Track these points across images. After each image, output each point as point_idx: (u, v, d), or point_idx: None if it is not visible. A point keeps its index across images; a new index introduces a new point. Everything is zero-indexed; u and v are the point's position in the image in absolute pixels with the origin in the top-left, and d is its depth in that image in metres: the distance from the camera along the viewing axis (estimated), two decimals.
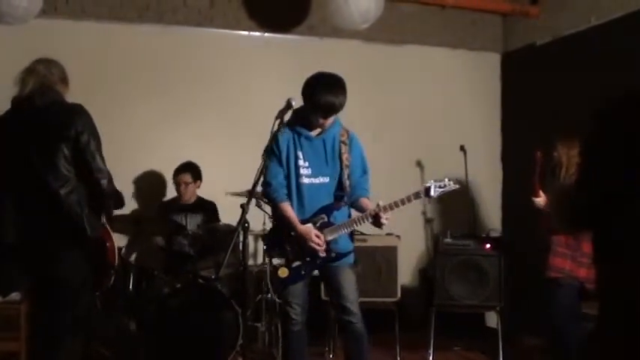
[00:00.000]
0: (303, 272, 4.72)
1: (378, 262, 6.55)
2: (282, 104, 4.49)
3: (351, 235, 4.85)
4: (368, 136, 7.37)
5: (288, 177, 4.72)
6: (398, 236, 6.74)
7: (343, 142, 4.72)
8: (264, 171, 4.60)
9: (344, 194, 4.71)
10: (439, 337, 6.61)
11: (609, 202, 2.49)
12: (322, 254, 4.65)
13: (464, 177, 7.39)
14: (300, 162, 4.70)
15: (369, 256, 6.53)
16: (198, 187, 6.74)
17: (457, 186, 4.80)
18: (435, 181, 4.71)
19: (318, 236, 4.62)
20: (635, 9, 6.42)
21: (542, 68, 7.60)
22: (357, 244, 6.54)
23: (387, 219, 4.55)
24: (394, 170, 7.36)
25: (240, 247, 4.61)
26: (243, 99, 7.24)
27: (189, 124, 7.13)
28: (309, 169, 4.71)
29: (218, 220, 6.62)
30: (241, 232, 4.41)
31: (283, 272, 4.70)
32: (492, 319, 7.07)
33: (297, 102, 4.54)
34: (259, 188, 4.66)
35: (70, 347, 4.29)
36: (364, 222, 4.67)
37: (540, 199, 5.41)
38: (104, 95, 6.56)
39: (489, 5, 8.04)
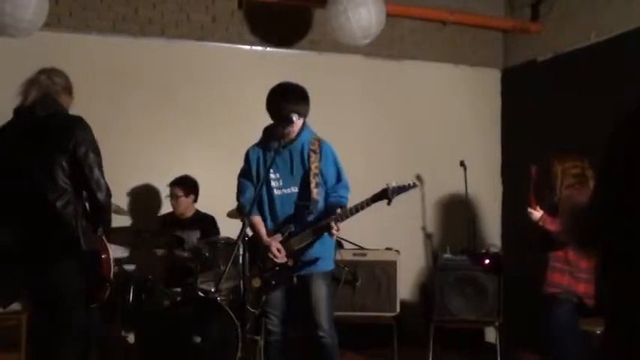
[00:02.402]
0: (273, 282, 4.75)
1: (377, 277, 6.57)
2: None
3: (322, 243, 4.76)
4: (367, 150, 7.47)
5: (260, 190, 4.70)
6: (397, 251, 6.75)
7: (313, 151, 4.73)
8: (237, 190, 4.89)
9: (308, 203, 4.68)
10: (438, 352, 6.62)
11: (621, 218, 2.51)
12: (290, 264, 4.68)
13: (464, 192, 7.41)
14: (271, 175, 4.76)
15: (368, 271, 6.55)
16: (194, 201, 6.75)
17: (417, 185, 4.70)
18: (396, 182, 4.60)
19: (278, 249, 4.66)
20: (636, 26, 6.46)
21: (542, 84, 7.62)
22: (357, 258, 6.60)
23: (337, 229, 4.53)
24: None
25: (240, 261, 4.63)
26: (244, 113, 7.23)
27: (190, 137, 7.15)
28: (280, 181, 4.77)
29: (218, 233, 6.62)
30: (241, 246, 4.42)
31: (256, 282, 4.76)
32: (491, 335, 7.09)
33: (297, 117, 4.58)
34: None
35: (69, 358, 4.30)
36: (324, 231, 4.62)
37: (537, 213, 5.42)
38: (106, 108, 6.59)
39: (490, 21, 8.09)
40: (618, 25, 6.65)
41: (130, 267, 6.71)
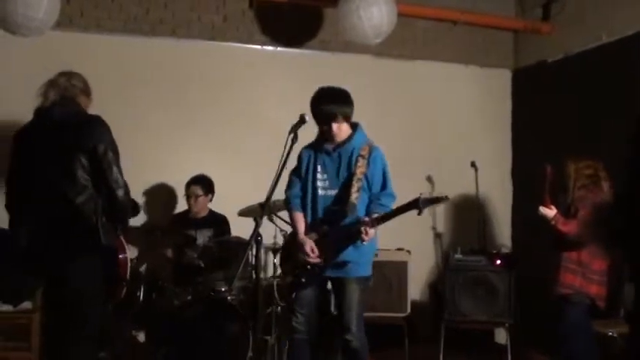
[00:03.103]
0: (303, 280, 4.79)
1: (388, 277, 6.56)
2: (293, 118, 4.53)
3: (363, 247, 4.74)
4: None
5: (306, 189, 4.87)
6: (408, 251, 6.75)
7: (362, 156, 4.76)
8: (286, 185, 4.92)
9: (345, 205, 4.68)
10: (448, 352, 6.61)
11: None
12: (321, 264, 4.72)
13: (474, 193, 7.40)
14: (319, 175, 4.85)
15: (379, 271, 6.50)
16: (210, 200, 6.73)
17: (447, 197, 4.64)
18: (427, 193, 4.61)
19: (312, 248, 4.70)
20: None
21: (553, 85, 7.61)
22: None
23: (366, 234, 4.52)
24: (404, 186, 7.32)
25: (253, 261, 4.63)
26: (255, 112, 7.26)
27: (202, 137, 7.16)
28: (327, 182, 4.83)
29: (229, 233, 6.62)
30: (254, 246, 4.42)
31: (288, 278, 4.78)
32: (502, 336, 7.07)
33: (311, 117, 4.57)
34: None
35: (81, 356, 4.31)
36: (357, 236, 4.61)
37: (550, 211, 5.39)
38: (116, 107, 6.54)
39: (501, 22, 8.07)
40: (629, 26, 6.62)
41: (141, 266, 6.71)
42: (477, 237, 7.54)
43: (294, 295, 4.90)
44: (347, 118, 4.84)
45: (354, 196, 4.69)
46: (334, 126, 4.76)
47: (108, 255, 4.41)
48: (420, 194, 4.55)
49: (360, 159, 4.76)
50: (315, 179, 4.84)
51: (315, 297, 4.89)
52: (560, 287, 5.40)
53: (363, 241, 4.55)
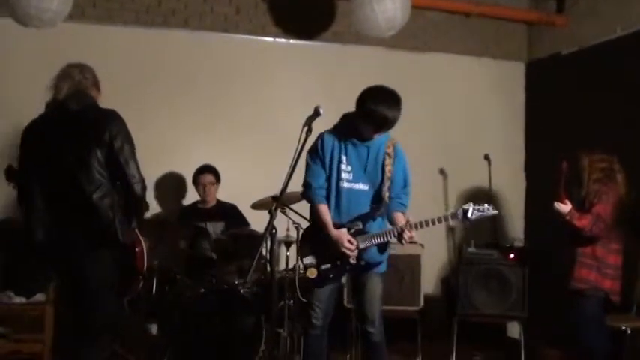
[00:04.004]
0: (331, 275, 4.72)
1: (401, 271, 6.54)
2: (306, 110, 4.46)
3: (385, 246, 4.78)
4: None
5: (329, 179, 4.73)
6: (421, 245, 6.72)
7: (388, 154, 4.70)
8: (306, 171, 4.75)
9: (381, 205, 4.66)
10: (461, 346, 6.60)
11: None
12: (353, 260, 4.64)
13: (487, 186, 7.37)
14: (343, 166, 4.71)
15: (392, 265, 6.50)
16: (217, 189, 6.76)
17: (496, 212, 4.64)
18: (475, 204, 4.58)
19: (350, 242, 4.60)
20: None
21: (567, 78, 7.56)
22: None
23: (410, 237, 4.52)
24: (417, 179, 7.29)
25: (267, 254, 4.60)
26: (268, 105, 7.25)
27: (214, 128, 7.17)
28: (351, 175, 4.71)
29: (245, 222, 6.62)
30: (268, 238, 4.40)
31: (312, 272, 4.70)
32: (515, 330, 7.05)
33: (325, 110, 4.52)
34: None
35: (96, 349, 4.32)
36: (393, 236, 4.62)
37: (565, 207, 5.35)
38: (130, 99, 6.55)
39: (514, 14, 8.03)
40: None
41: (153, 258, 6.71)
42: (490, 230, 7.50)
43: (314, 290, 4.81)
44: None
45: (386, 195, 4.66)
46: (382, 131, 4.68)
47: (124, 249, 4.41)
48: (468, 205, 4.56)
49: (387, 157, 4.69)
50: (340, 170, 4.70)
51: (333, 292, 4.85)
52: (575, 282, 5.38)
53: (404, 241, 4.55)
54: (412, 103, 7.72)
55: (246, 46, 7.33)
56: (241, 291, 5.80)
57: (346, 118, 4.79)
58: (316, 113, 4.42)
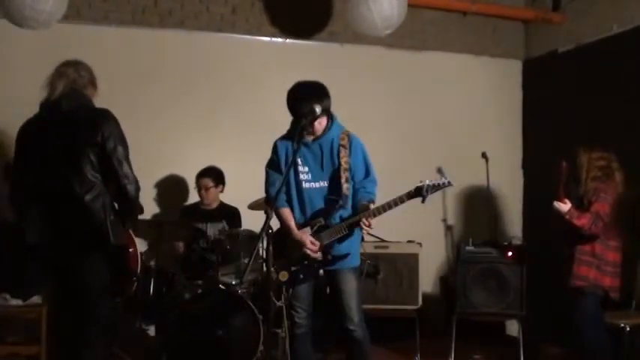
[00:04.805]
0: (301, 276, 4.73)
1: (399, 270, 6.53)
2: None
3: (345, 237, 4.72)
4: (388, 141, 7.41)
5: (288, 183, 4.75)
6: (419, 243, 6.71)
7: (342, 146, 4.70)
8: (265, 182, 4.89)
9: (339, 198, 4.65)
10: (460, 345, 6.57)
11: None
12: (319, 258, 4.66)
13: (485, 184, 7.36)
14: (300, 167, 4.75)
15: (390, 264, 6.51)
16: (221, 191, 6.74)
17: (452, 184, 4.64)
18: (430, 180, 4.57)
19: (312, 242, 4.64)
20: None
21: (564, 75, 7.56)
22: (379, 251, 6.57)
23: (368, 224, 4.51)
24: (415, 177, 7.30)
25: (264, 254, 4.59)
26: (264, 104, 7.23)
27: (211, 128, 7.16)
28: (309, 174, 4.75)
29: (240, 226, 6.60)
30: (265, 238, 4.39)
31: (283, 276, 4.69)
32: (514, 328, 7.04)
33: (320, 109, 4.51)
34: None
35: (92, 351, 4.30)
36: (355, 226, 4.61)
37: (565, 205, 5.34)
38: (125, 100, 6.55)
39: (511, 12, 8.03)
40: None
41: (151, 259, 6.70)
42: (488, 228, 7.50)
43: (291, 292, 4.82)
44: (327, 112, 4.73)
45: (345, 186, 4.64)
46: (316, 122, 4.65)
47: (117, 250, 4.38)
48: (421, 182, 4.55)
49: (342, 149, 4.69)
50: (297, 172, 4.75)
51: (311, 290, 4.87)
52: (575, 279, 5.37)
53: (363, 232, 4.60)
54: (409, 102, 7.80)
55: (243, 46, 7.33)
56: (238, 291, 5.79)
57: (294, 123, 4.81)
58: (312, 112, 4.43)
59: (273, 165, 4.89)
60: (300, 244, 4.66)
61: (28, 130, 4.42)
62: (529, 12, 7.99)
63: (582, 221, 5.24)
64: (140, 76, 6.95)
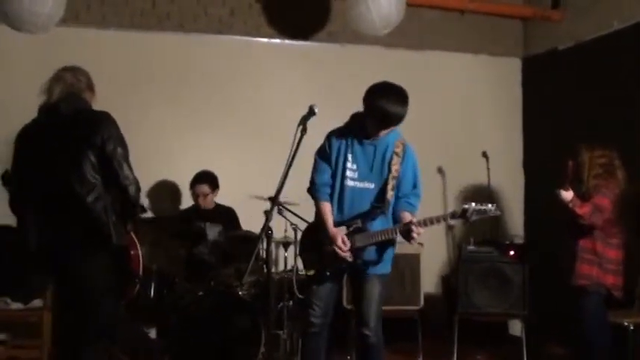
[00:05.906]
0: (328, 273, 4.68)
1: (401, 270, 6.49)
2: (302, 110, 4.44)
3: (384, 246, 4.69)
4: None
5: (334, 177, 4.68)
6: (421, 244, 6.67)
7: (396, 154, 4.63)
8: (312, 169, 4.75)
9: (382, 205, 4.60)
10: (462, 345, 6.56)
11: None
12: (349, 259, 4.58)
13: (486, 183, 7.34)
14: (349, 164, 4.66)
15: (392, 264, 6.49)
16: (216, 195, 6.72)
17: (499, 212, 4.57)
18: (477, 204, 4.48)
19: (344, 241, 4.55)
20: None
21: (563, 73, 7.54)
22: None
23: (417, 234, 4.43)
24: None
25: (264, 255, 4.57)
26: (263, 106, 7.24)
27: (210, 131, 7.15)
28: (356, 173, 4.66)
29: (239, 226, 6.59)
30: (264, 240, 4.37)
31: (310, 270, 4.68)
32: (516, 328, 7.01)
33: (321, 109, 4.47)
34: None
35: (94, 354, 4.28)
36: (395, 234, 4.55)
37: (568, 193, 5.30)
38: (124, 102, 6.52)
39: (510, 10, 8.02)
40: None
41: (151, 262, 6.69)
42: (489, 228, 7.48)
43: (312, 288, 4.77)
44: None
45: (390, 194, 4.60)
46: (389, 128, 4.62)
47: (119, 252, 4.37)
48: (467, 205, 4.46)
49: (395, 156, 4.62)
50: (345, 168, 4.66)
51: (333, 291, 4.80)
52: (577, 278, 5.35)
53: (411, 239, 4.45)
54: (409, 101, 7.75)
55: (241, 47, 7.33)
56: (239, 293, 5.78)
57: (355, 117, 4.75)
58: (311, 112, 4.41)
59: (324, 154, 4.75)
60: (331, 241, 4.58)
61: (27, 134, 4.41)
62: (528, 10, 7.98)
63: (584, 209, 5.22)
64: (138, 78, 6.96)
